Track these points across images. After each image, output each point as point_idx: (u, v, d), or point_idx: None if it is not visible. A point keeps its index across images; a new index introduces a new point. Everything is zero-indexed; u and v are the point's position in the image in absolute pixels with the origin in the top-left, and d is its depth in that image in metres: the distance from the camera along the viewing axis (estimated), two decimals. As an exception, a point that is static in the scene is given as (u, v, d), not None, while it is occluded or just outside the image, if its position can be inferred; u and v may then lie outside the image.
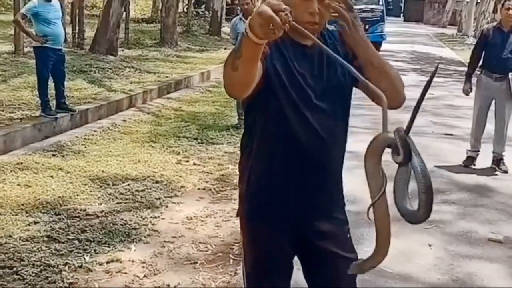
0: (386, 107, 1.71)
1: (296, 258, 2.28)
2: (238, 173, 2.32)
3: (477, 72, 6.92)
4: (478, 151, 6.92)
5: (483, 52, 6.79)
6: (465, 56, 18.29)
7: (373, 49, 2.04)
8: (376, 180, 1.76)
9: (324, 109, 2.11)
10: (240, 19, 8.29)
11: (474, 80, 6.96)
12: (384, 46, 22.41)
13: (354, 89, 2.20)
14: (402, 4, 58.69)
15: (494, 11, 27.91)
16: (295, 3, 2.00)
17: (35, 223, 4.63)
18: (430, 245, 4.58)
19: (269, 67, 2.02)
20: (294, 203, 2.16)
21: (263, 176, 2.17)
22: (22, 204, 4.98)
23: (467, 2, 37.52)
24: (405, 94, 2.13)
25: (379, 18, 22.09)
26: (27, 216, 4.74)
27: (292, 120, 2.08)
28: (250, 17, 1.68)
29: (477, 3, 34.53)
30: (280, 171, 2.14)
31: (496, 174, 6.69)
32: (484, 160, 6.87)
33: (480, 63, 6.87)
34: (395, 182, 1.74)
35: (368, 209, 1.76)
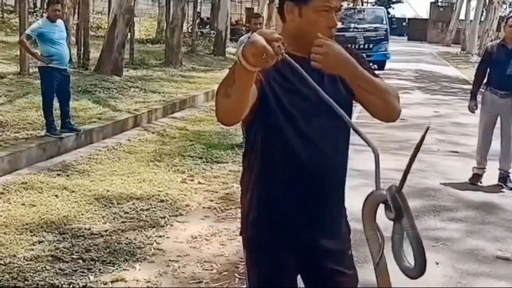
0: (378, 160, 1.73)
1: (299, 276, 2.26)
2: (240, 191, 2.31)
3: (482, 89, 6.91)
4: (484, 168, 6.88)
5: (488, 69, 6.79)
6: (469, 74, 18.30)
7: (360, 70, 1.97)
8: (374, 242, 1.80)
9: (325, 124, 2.08)
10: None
11: (479, 97, 6.95)
12: (388, 65, 22.48)
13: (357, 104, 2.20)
14: (406, 23, 59.02)
15: (498, 29, 28.01)
16: (314, 21, 2.01)
17: (40, 242, 4.61)
18: (437, 263, 4.54)
19: (265, 87, 2.01)
20: (297, 222, 2.13)
21: (265, 196, 2.15)
22: (27, 224, 4.96)
23: (471, 20, 37.71)
24: (399, 107, 2.13)
25: (383, 37, 22.21)
26: (31, 236, 4.73)
27: (292, 139, 2.07)
28: (242, 46, 1.67)
29: (480, 21, 34.69)
30: (282, 191, 2.12)
31: (502, 191, 6.64)
32: (490, 177, 6.83)
33: (485, 81, 6.87)
34: (392, 238, 1.77)
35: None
